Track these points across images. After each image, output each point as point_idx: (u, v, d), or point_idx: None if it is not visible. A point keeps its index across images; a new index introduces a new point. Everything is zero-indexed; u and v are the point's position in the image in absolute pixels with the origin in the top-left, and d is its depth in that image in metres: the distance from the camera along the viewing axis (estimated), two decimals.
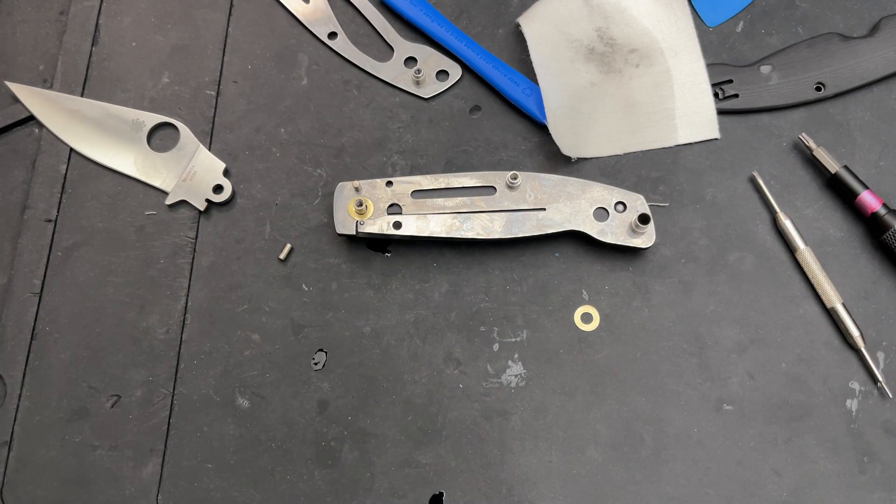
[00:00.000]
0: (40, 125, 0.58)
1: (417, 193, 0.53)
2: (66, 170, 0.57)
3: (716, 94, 0.57)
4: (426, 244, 0.54)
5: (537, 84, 0.57)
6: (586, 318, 0.52)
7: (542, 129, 0.57)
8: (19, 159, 0.58)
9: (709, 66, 0.57)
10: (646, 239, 0.52)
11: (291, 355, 0.52)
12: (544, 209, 0.52)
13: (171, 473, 0.50)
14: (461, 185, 0.53)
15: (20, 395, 0.51)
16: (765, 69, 0.57)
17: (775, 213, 0.54)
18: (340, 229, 0.52)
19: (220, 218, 0.56)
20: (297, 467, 0.49)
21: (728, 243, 0.54)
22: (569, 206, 0.52)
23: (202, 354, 0.52)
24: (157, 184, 0.56)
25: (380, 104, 0.59)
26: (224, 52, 0.61)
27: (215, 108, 0.59)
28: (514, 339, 0.52)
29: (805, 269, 0.52)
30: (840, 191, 0.54)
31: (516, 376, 0.51)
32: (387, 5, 0.61)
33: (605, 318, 0.52)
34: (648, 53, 0.58)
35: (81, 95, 0.59)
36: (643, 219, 0.51)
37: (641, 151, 0.57)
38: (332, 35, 0.61)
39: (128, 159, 0.57)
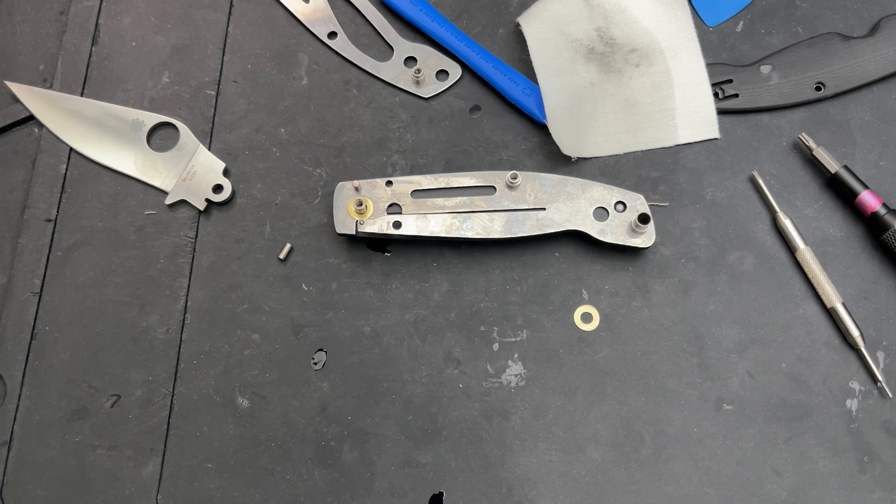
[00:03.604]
0: (40, 125, 0.58)
1: (417, 193, 0.53)
2: (66, 169, 0.57)
3: (716, 94, 0.57)
4: (426, 244, 0.54)
5: (537, 84, 0.57)
6: (586, 317, 0.52)
7: (542, 128, 0.57)
8: (19, 159, 0.58)
9: (709, 65, 0.57)
10: (646, 239, 0.52)
11: (291, 355, 0.52)
12: (544, 209, 0.52)
13: (171, 473, 0.50)
14: (461, 185, 0.53)
15: (20, 395, 0.51)
16: (765, 69, 0.57)
17: (775, 212, 0.54)
18: (340, 229, 0.52)
19: (219, 218, 0.56)
20: (297, 467, 0.49)
21: (728, 243, 0.54)
22: (569, 205, 0.52)
23: (202, 354, 0.52)
24: (156, 183, 0.56)
25: (380, 104, 0.59)
26: (224, 51, 0.61)
27: (215, 107, 0.59)
28: (513, 339, 0.52)
29: (805, 268, 0.52)
30: (840, 191, 0.54)
31: (516, 376, 0.51)
32: (387, 5, 0.61)
33: (604, 317, 0.52)
34: (648, 53, 0.58)
35: (81, 95, 0.59)
36: (643, 218, 0.51)
37: (641, 151, 0.57)
38: (332, 35, 0.61)
39: (128, 159, 0.57)
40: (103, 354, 0.52)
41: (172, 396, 0.51)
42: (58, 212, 0.56)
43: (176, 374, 0.52)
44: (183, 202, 0.56)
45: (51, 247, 0.55)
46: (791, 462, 0.49)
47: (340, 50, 0.60)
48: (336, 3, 0.62)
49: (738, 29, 0.60)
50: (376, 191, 0.53)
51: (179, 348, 0.52)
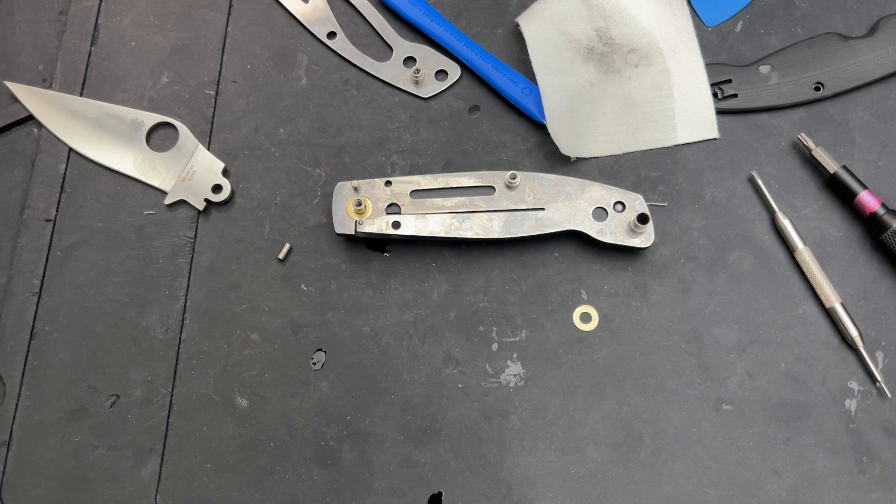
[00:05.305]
0: (39, 125, 0.58)
1: (416, 193, 0.53)
2: (66, 169, 0.57)
3: (715, 94, 0.57)
4: (425, 244, 0.54)
5: (536, 84, 0.57)
6: (585, 317, 0.52)
7: (541, 128, 0.57)
8: (19, 159, 0.58)
9: (708, 65, 0.57)
10: (645, 239, 0.52)
11: (291, 355, 0.52)
12: (543, 209, 0.52)
13: (171, 473, 0.50)
14: (460, 185, 0.53)
15: (19, 395, 0.51)
16: (764, 69, 0.57)
17: (774, 212, 0.54)
18: (339, 229, 0.52)
19: (219, 218, 0.56)
20: (296, 467, 0.49)
21: (727, 243, 0.54)
22: (568, 205, 0.52)
23: (201, 354, 0.52)
24: (156, 183, 0.56)
25: (379, 104, 0.59)
26: (223, 51, 0.61)
27: (214, 107, 0.59)
28: (513, 339, 0.52)
29: (804, 268, 0.52)
30: (839, 191, 0.54)
31: (515, 376, 0.51)
32: (386, 5, 0.61)
33: (604, 317, 0.52)
34: (647, 53, 0.58)
35: (81, 95, 0.59)
36: (642, 218, 0.51)
37: (641, 151, 0.57)
38: (332, 35, 0.61)
39: (127, 159, 0.57)
40: (103, 354, 0.52)
41: (171, 396, 0.51)
42: (57, 212, 0.56)
43: (175, 374, 0.52)
44: (182, 202, 0.56)
45: (50, 247, 0.55)
46: (790, 462, 0.49)
47: (340, 50, 0.60)
48: (335, 3, 0.62)
49: (738, 29, 0.60)
50: (375, 191, 0.53)
51: (178, 348, 0.52)
